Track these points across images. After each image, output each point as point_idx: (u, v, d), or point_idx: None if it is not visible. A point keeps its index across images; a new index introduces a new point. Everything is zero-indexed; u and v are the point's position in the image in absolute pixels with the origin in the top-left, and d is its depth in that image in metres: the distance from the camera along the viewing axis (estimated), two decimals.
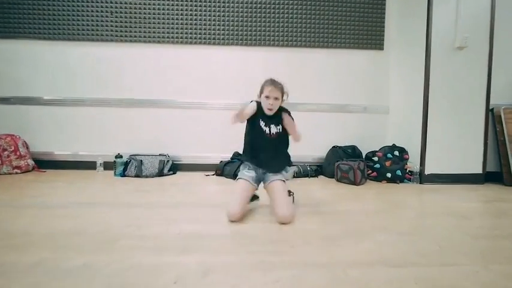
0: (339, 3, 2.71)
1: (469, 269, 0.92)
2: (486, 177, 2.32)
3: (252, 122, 1.51)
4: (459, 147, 2.28)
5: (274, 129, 1.50)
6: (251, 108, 1.48)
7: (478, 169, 2.30)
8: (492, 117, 2.38)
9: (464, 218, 1.41)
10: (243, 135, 1.58)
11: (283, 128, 1.52)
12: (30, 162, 2.56)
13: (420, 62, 2.32)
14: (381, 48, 2.77)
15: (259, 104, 1.51)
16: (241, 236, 1.18)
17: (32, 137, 2.65)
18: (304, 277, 0.86)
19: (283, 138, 1.54)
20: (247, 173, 1.50)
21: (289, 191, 1.61)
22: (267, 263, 0.94)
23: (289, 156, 1.62)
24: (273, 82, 1.49)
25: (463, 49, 2.23)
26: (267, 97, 1.45)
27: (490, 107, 2.33)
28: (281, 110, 1.52)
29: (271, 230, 1.25)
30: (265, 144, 1.50)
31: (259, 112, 1.50)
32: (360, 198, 1.79)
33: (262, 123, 1.49)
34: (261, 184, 1.54)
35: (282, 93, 1.50)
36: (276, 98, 1.46)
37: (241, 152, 1.62)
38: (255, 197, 1.59)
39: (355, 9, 2.72)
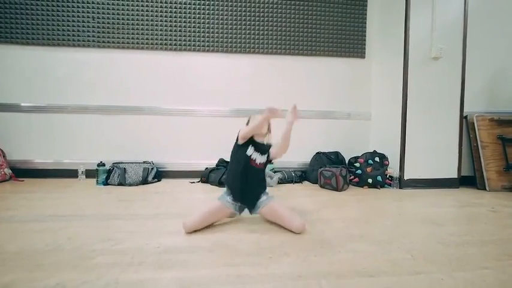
0: (321, 12, 2.78)
1: (435, 276, 0.97)
2: (461, 181, 2.43)
3: (242, 147, 1.43)
4: (436, 153, 2.38)
5: (260, 158, 1.44)
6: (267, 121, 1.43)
7: (453, 174, 2.40)
8: (466, 124, 2.50)
9: (438, 225, 1.48)
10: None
11: (267, 159, 1.49)
12: (7, 171, 2.47)
13: (399, 71, 2.41)
14: (363, 57, 2.85)
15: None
16: (221, 247, 1.19)
17: (10, 146, 2.57)
18: None
19: (264, 169, 1.50)
20: (230, 200, 1.44)
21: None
22: (245, 276, 0.96)
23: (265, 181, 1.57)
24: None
25: (438, 59, 2.33)
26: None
27: (464, 115, 2.45)
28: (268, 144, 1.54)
29: (252, 240, 1.26)
30: (249, 172, 1.42)
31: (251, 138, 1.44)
32: (341, 206, 1.83)
33: (250, 149, 1.42)
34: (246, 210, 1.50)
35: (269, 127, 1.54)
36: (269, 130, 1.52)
37: (226, 158, 1.57)
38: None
39: (338, 17, 2.80)
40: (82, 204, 1.79)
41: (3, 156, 2.50)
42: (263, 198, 1.46)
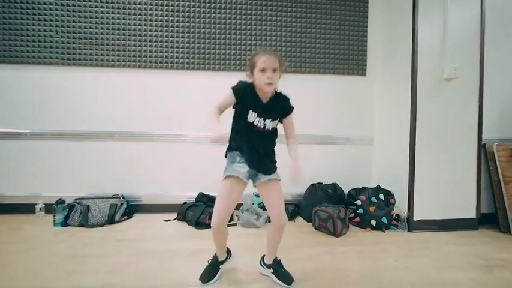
0: (316, 24, 2.45)
1: None
2: (480, 220, 2.08)
3: (240, 113, 1.22)
4: (450, 189, 2.04)
5: (269, 124, 1.23)
6: (228, 101, 1.21)
7: (471, 214, 2.05)
8: (485, 153, 2.15)
9: None
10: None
11: (277, 122, 1.28)
12: None
13: (406, 92, 2.08)
14: (363, 74, 2.52)
15: (247, 86, 1.21)
16: None
17: None
18: None
19: (275, 132, 1.30)
20: (238, 167, 1.22)
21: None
22: None
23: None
24: (266, 51, 1.19)
25: (452, 80, 2.00)
26: (263, 70, 1.15)
27: (482, 142, 2.10)
28: (284, 99, 1.27)
29: None
30: (257, 141, 1.23)
31: (249, 98, 1.20)
32: (340, 267, 1.48)
33: (253, 115, 1.20)
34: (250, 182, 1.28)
35: (280, 63, 1.20)
36: (274, 70, 1.16)
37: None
38: (228, 252, 1.40)
39: (335, 30, 2.47)
40: (17, 268, 1.43)
41: None
42: (274, 171, 1.27)
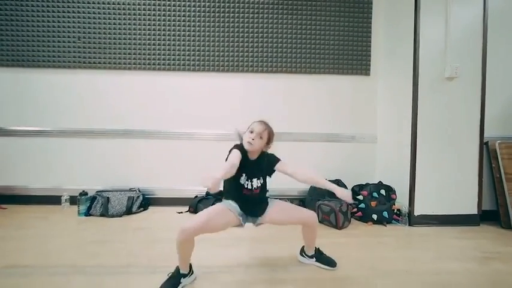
0: (321, 24, 2.55)
1: None
2: (482, 217, 2.12)
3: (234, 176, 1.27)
4: (452, 185, 2.09)
5: (256, 183, 1.32)
6: (237, 158, 1.22)
7: (472, 210, 2.09)
8: (487, 151, 2.19)
9: None
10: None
11: (264, 179, 1.36)
12: None
13: (408, 91, 2.14)
14: (367, 74, 2.59)
15: (241, 145, 1.31)
16: None
17: None
18: None
19: (264, 188, 1.38)
20: (234, 204, 1.30)
21: None
22: None
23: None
24: (261, 121, 1.33)
25: (453, 79, 2.05)
26: (251, 132, 1.29)
27: (484, 140, 2.14)
28: (268, 155, 1.37)
29: None
30: (246, 198, 1.32)
31: (242, 155, 1.28)
32: (339, 255, 1.57)
33: (243, 178, 1.30)
34: (249, 223, 1.36)
35: (269, 136, 1.32)
36: (260, 137, 1.29)
37: None
38: (190, 268, 1.28)
39: (339, 31, 2.56)
40: (48, 248, 1.62)
41: None
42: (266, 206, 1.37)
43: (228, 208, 1.28)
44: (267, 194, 1.43)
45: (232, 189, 1.32)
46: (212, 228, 1.20)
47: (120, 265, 1.44)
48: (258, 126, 1.30)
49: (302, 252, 1.52)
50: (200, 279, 1.30)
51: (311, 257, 1.47)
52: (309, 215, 1.40)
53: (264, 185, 1.37)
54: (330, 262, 1.44)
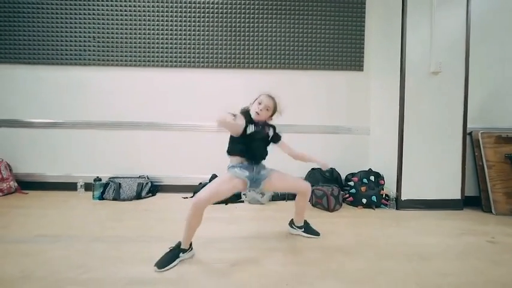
0: (317, 23, 2.72)
1: None
2: (466, 202, 2.27)
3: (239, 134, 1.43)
4: (437, 172, 2.25)
5: (267, 129, 1.50)
6: (241, 120, 1.40)
7: (456, 195, 2.25)
8: (471, 141, 2.34)
9: (424, 260, 1.38)
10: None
11: (268, 135, 1.52)
12: (13, 184, 2.61)
13: (396, 85, 2.30)
14: (361, 70, 2.76)
15: (245, 113, 1.47)
16: (186, 281, 1.17)
17: (16, 159, 2.71)
18: None
19: (267, 139, 1.53)
20: (239, 171, 1.41)
21: None
22: None
23: None
24: (269, 95, 1.50)
25: (438, 74, 2.21)
26: (259, 103, 1.45)
27: (468, 131, 2.29)
28: (278, 133, 1.57)
29: (219, 273, 1.24)
30: (255, 143, 1.45)
31: (248, 118, 1.44)
32: (327, 231, 1.76)
33: (250, 127, 1.42)
34: (255, 195, 1.60)
35: (274, 109, 1.51)
36: (267, 109, 1.46)
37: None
38: (191, 245, 1.37)
39: (334, 29, 2.73)
40: (71, 223, 1.84)
41: (10, 170, 2.64)
42: (266, 169, 1.51)
43: (234, 175, 1.40)
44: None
45: (239, 138, 1.42)
46: (221, 195, 1.34)
47: (133, 236, 1.64)
48: (266, 99, 1.46)
49: (292, 224, 1.71)
50: (204, 246, 1.49)
51: (300, 227, 1.66)
52: (305, 184, 1.58)
53: (269, 136, 1.52)
54: (315, 232, 1.66)
